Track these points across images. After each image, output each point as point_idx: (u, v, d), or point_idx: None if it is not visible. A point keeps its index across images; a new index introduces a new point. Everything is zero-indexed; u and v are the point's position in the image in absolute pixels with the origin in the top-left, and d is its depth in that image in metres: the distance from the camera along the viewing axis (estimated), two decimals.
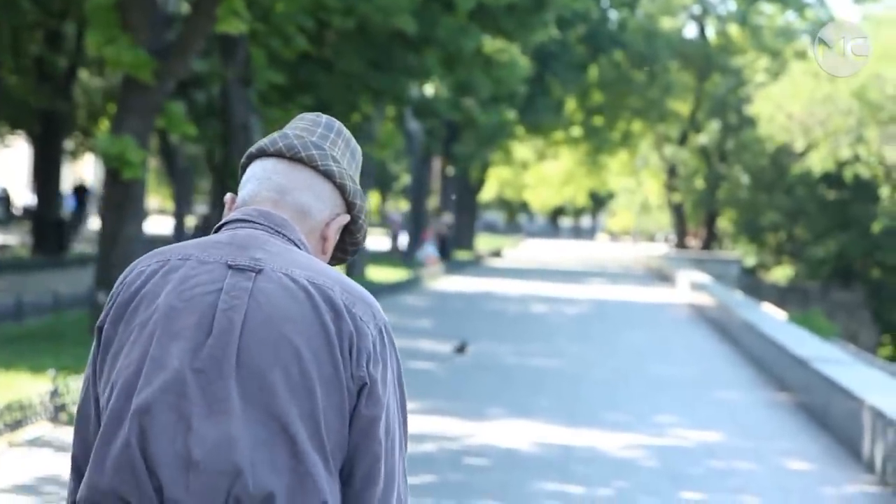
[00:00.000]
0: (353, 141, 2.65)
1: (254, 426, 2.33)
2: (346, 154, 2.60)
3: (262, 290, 2.40)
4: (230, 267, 2.43)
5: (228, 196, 2.60)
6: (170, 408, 2.34)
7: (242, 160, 2.63)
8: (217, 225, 2.57)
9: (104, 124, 35.27)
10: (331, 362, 2.38)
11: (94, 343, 2.52)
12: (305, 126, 2.60)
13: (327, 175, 2.55)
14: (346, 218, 2.58)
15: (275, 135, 2.59)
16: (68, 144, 37.47)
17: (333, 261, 2.65)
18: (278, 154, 2.55)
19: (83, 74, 33.83)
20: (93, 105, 35.52)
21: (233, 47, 20.78)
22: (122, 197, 16.01)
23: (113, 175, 15.95)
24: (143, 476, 2.33)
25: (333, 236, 2.57)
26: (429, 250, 39.00)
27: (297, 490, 2.33)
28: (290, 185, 2.54)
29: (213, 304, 2.40)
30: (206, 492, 2.31)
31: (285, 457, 2.33)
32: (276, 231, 2.50)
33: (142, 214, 16.48)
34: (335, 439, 2.37)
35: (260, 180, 2.56)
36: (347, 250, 2.65)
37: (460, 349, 17.04)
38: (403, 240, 47.00)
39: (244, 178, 2.59)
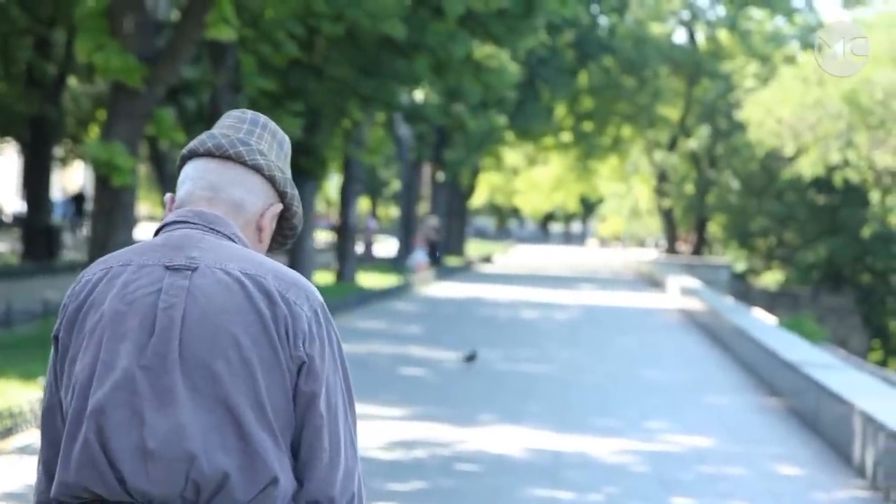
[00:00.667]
0: (280, 132, 2.82)
1: (202, 414, 2.51)
2: (274, 146, 2.77)
3: (198, 286, 2.57)
4: (167, 268, 2.60)
5: (168, 196, 2.75)
6: (123, 405, 2.52)
7: (178, 162, 2.78)
8: (156, 228, 2.71)
9: (94, 131, 35.24)
10: (269, 346, 2.55)
11: (52, 351, 2.68)
12: (231, 124, 2.76)
13: (256, 169, 2.71)
14: (279, 207, 2.75)
15: (203, 136, 2.75)
16: (58, 151, 37.40)
17: (274, 246, 2.82)
18: (208, 154, 2.72)
19: (72, 81, 33.79)
20: (82, 112, 35.48)
21: (222, 54, 20.77)
22: (112, 203, 15.99)
23: (103, 182, 15.94)
24: (106, 469, 2.52)
25: (269, 225, 2.74)
26: (419, 256, 38.97)
27: (248, 468, 2.51)
28: (222, 183, 2.70)
29: (154, 304, 2.57)
30: (165, 478, 2.49)
31: (234, 439, 2.51)
32: (210, 228, 2.66)
33: (132, 221, 16.46)
34: (282, 418, 2.55)
35: (193, 180, 2.72)
36: (286, 236, 2.82)
37: (470, 358, 16.71)
38: (383, 247, 46.96)
39: (180, 178, 2.75)
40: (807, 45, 49.38)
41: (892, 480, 9.28)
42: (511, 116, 47.20)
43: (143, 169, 45.01)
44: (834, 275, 47.25)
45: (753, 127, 45.41)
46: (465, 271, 46.48)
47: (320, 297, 2.66)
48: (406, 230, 43.69)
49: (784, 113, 42.84)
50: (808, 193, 48.30)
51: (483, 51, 32.57)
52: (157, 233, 2.71)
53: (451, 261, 49.01)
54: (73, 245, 38.31)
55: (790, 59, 50.10)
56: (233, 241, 2.68)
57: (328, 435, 2.59)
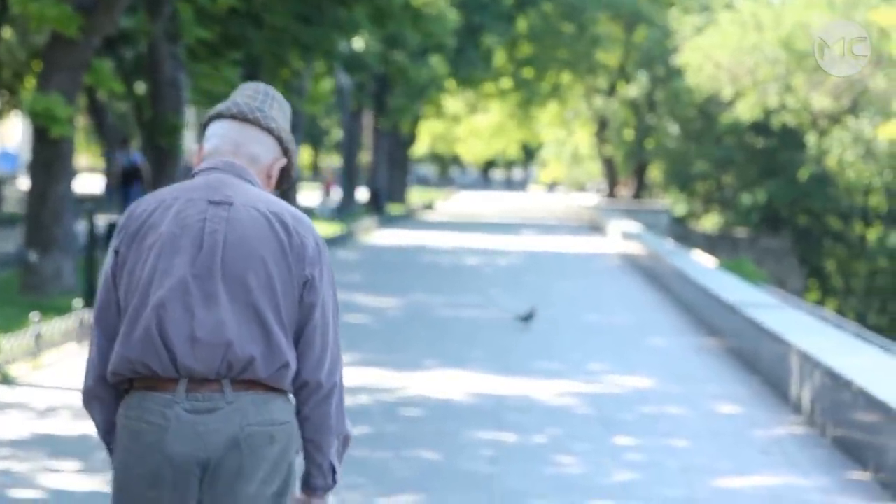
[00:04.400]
0: (284, 100, 3.64)
1: (237, 313, 3.36)
2: (281, 112, 3.60)
3: (235, 217, 3.41)
4: (210, 202, 3.43)
5: (197, 146, 3.65)
6: (178, 302, 3.35)
7: (204, 121, 3.60)
8: (193, 171, 3.53)
9: (30, 82, 34.82)
10: (286, 266, 3.40)
11: (110, 261, 3.47)
12: (250, 94, 3.59)
13: (269, 131, 3.56)
14: (284, 161, 3.61)
15: (228, 102, 3.58)
16: None
17: (279, 186, 3.64)
18: (232, 116, 3.56)
19: (7, 32, 33.34)
20: (18, 63, 35.04)
21: (159, 3, 20.58)
22: (50, 155, 15.88)
23: (41, 133, 15.80)
24: (162, 350, 3.34)
25: (276, 173, 3.60)
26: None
27: (268, 354, 3.37)
28: (243, 140, 3.55)
29: (202, 228, 3.40)
30: (207, 358, 3.34)
31: (259, 332, 3.36)
32: (238, 175, 3.51)
33: (71, 172, 16.35)
34: (290, 319, 3.40)
35: (220, 137, 3.56)
36: (284, 181, 3.65)
37: (527, 317, 15.54)
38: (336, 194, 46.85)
39: (207, 134, 3.58)
40: None
41: (828, 416, 9.46)
42: (451, 63, 47.10)
43: (82, 120, 44.58)
44: (772, 217, 47.66)
45: (692, 72, 45.59)
46: (407, 219, 46.50)
47: (319, 233, 3.50)
48: (349, 179, 43.60)
49: (722, 58, 43.03)
50: (746, 137, 48.59)
51: None
52: (193, 175, 3.52)
53: (394, 209, 49.01)
54: (13, 197, 37.92)
55: (729, 5, 50.18)
56: (253, 185, 3.51)
57: (320, 335, 3.44)
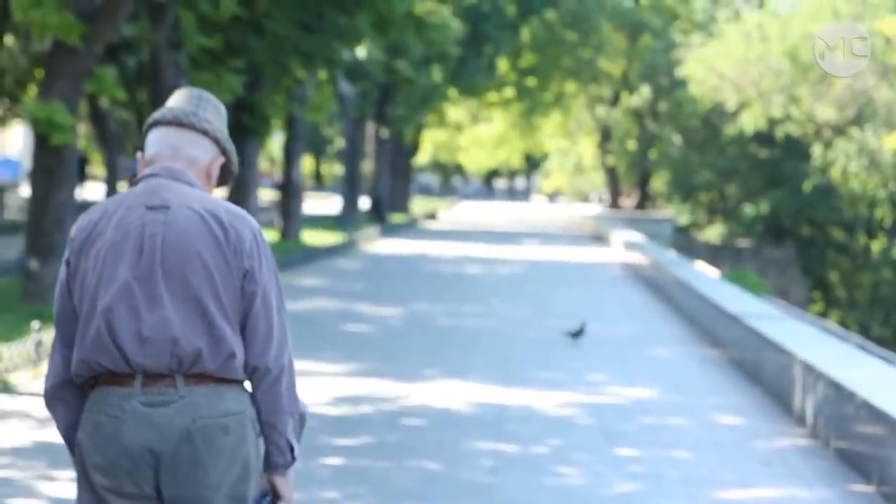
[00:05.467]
0: (219, 103, 3.87)
1: (180, 309, 3.58)
2: (216, 114, 3.83)
3: (171, 219, 3.64)
4: (148, 207, 3.66)
5: (139, 154, 3.79)
6: (124, 304, 3.58)
7: (144, 128, 3.81)
8: (136, 179, 3.74)
9: (32, 90, 34.82)
10: (223, 259, 3.62)
11: (63, 272, 3.70)
12: (184, 99, 3.82)
13: (204, 133, 3.78)
14: (222, 159, 3.84)
15: (164, 109, 3.79)
16: None
17: (220, 184, 3.87)
18: (168, 123, 3.78)
19: (9, 40, 33.35)
20: (20, 70, 35.05)
21: (161, 11, 20.56)
22: (52, 162, 15.85)
23: (42, 140, 15.78)
24: (113, 349, 3.57)
25: (215, 172, 3.83)
26: None
27: (213, 346, 3.58)
28: (181, 144, 3.77)
29: (141, 233, 3.62)
30: (156, 355, 3.55)
31: (203, 326, 3.58)
32: (176, 179, 3.73)
33: (73, 180, 16.32)
34: (234, 310, 3.62)
35: (159, 143, 3.78)
36: (227, 177, 3.89)
37: (577, 333, 15.02)
38: (326, 204, 46.78)
39: (147, 141, 3.80)
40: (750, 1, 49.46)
41: (831, 428, 9.41)
42: (454, 72, 47.10)
43: (84, 128, 44.60)
44: (775, 228, 47.60)
45: (695, 83, 45.55)
46: (409, 228, 46.48)
47: (257, 225, 3.71)
48: (351, 188, 43.57)
49: (726, 68, 43.00)
50: (749, 147, 48.55)
51: (425, 6, 32.45)
52: (136, 183, 3.73)
53: (396, 218, 48.99)
54: (15, 205, 37.91)
55: (734, 17, 50.11)
56: (192, 186, 3.73)
57: (264, 321, 3.64)
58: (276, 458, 3.72)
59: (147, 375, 3.57)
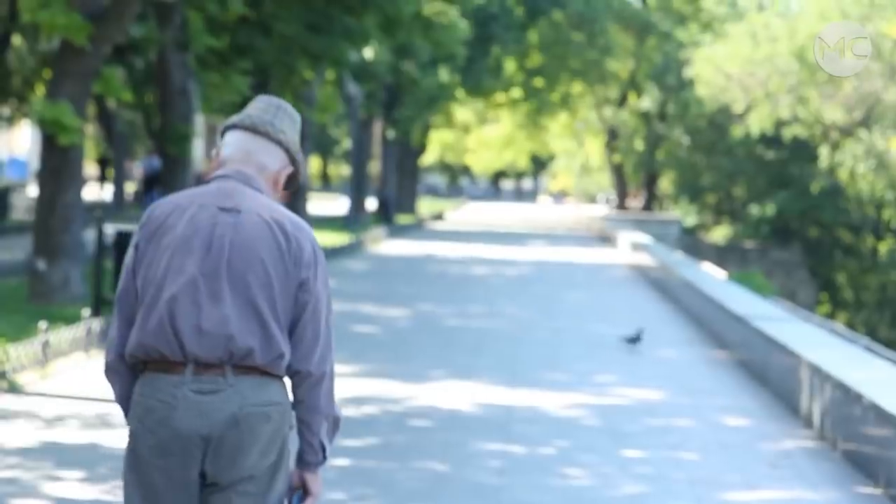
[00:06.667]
0: (294, 112, 4.04)
1: (238, 308, 3.80)
2: (291, 124, 4.01)
3: (241, 223, 3.84)
4: (220, 209, 3.86)
5: (214, 152, 4.02)
6: (188, 297, 3.79)
7: (222, 129, 4.03)
8: (208, 178, 3.96)
9: (40, 90, 34.86)
10: (283, 267, 3.84)
11: (131, 253, 3.90)
12: (263, 107, 4.01)
13: (278, 142, 3.98)
14: (290, 169, 4.03)
15: (242, 114, 4.00)
16: (4, 111, 37.02)
17: (286, 192, 4.06)
18: (245, 128, 3.98)
19: (17, 40, 33.38)
20: (28, 71, 35.08)
21: (168, 11, 20.60)
22: (59, 163, 15.86)
23: (50, 141, 15.79)
24: (172, 338, 3.79)
25: (283, 180, 4.02)
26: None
27: (265, 346, 3.80)
28: (254, 150, 3.97)
29: (211, 232, 3.83)
30: (211, 347, 3.78)
31: (257, 326, 3.80)
32: (246, 183, 3.93)
33: (80, 180, 16.33)
34: (286, 316, 3.84)
35: (234, 146, 3.98)
36: (293, 185, 4.08)
37: (633, 339, 14.81)
38: (334, 205, 46.71)
39: (223, 142, 4.00)
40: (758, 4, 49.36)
41: (838, 430, 9.40)
42: (461, 73, 47.09)
43: (91, 129, 44.64)
44: (782, 229, 47.55)
45: (702, 83, 45.50)
46: (416, 229, 46.48)
47: (315, 237, 3.93)
48: (358, 188, 43.58)
49: (733, 69, 42.95)
50: (757, 149, 48.50)
51: (432, 7, 32.44)
52: (209, 181, 3.93)
53: (403, 219, 48.99)
54: (23, 205, 37.95)
55: (740, 16, 50.03)
56: (261, 192, 3.93)
57: (312, 329, 3.87)
58: (309, 456, 3.93)
59: (198, 364, 3.79)
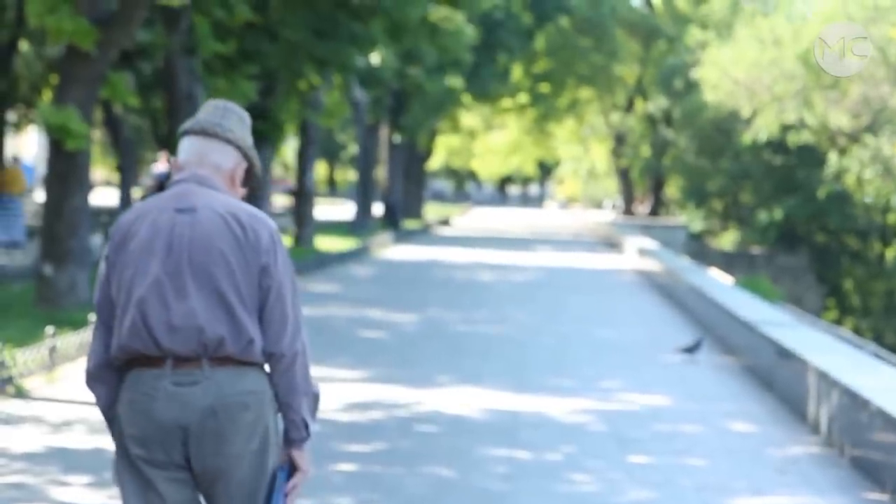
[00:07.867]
0: (242, 111, 4.31)
1: (204, 300, 4.03)
2: (240, 124, 4.27)
3: (197, 220, 4.09)
4: (177, 210, 4.11)
5: (173, 159, 4.27)
6: (155, 296, 4.03)
7: (178, 136, 4.26)
8: (169, 183, 4.19)
9: (47, 95, 34.91)
10: (243, 256, 4.07)
11: (103, 266, 4.15)
12: (210, 111, 4.27)
13: (228, 141, 4.23)
14: (245, 164, 4.28)
15: (192, 120, 4.25)
16: (11, 116, 37.07)
17: (245, 185, 4.31)
18: (195, 133, 4.23)
19: (24, 45, 33.43)
20: (35, 76, 35.14)
21: (175, 17, 20.61)
22: (66, 168, 15.87)
23: (57, 146, 15.81)
24: (146, 336, 4.03)
25: (239, 178, 4.27)
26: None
27: (235, 333, 4.03)
28: (207, 151, 4.22)
29: (171, 232, 4.07)
30: (184, 341, 4.01)
31: (224, 314, 4.04)
32: (202, 184, 4.19)
33: (87, 186, 16.34)
34: (252, 301, 4.07)
35: (188, 151, 4.24)
36: (251, 181, 4.32)
37: (691, 349, 14.52)
38: (341, 210, 46.74)
39: (179, 148, 4.25)
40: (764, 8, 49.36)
41: (846, 436, 9.38)
42: (467, 79, 47.09)
43: (98, 134, 44.70)
44: (789, 235, 47.49)
45: (709, 88, 45.46)
46: (422, 234, 46.48)
47: (274, 226, 4.15)
48: (364, 194, 43.58)
49: (739, 73, 42.92)
50: (763, 154, 48.45)
51: (439, 13, 32.43)
52: (169, 187, 4.17)
53: (409, 224, 48.99)
54: (29, 210, 37.98)
55: (748, 20, 49.99)
56: (217, 190, 4.17)
57: (279, 312, 4.08)
58: (293, 434, 4.16)
59: (177, 359, 4.02)
